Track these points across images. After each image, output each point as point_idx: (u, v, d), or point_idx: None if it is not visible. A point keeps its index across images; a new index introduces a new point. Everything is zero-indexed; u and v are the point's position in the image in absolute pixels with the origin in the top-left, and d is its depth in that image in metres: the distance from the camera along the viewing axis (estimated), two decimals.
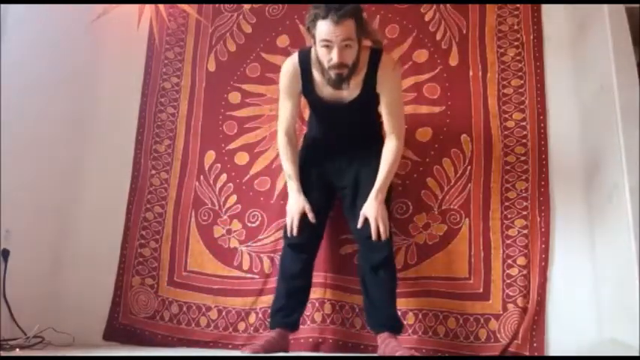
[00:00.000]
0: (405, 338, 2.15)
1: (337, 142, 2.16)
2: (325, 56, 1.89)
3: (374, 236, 1.95)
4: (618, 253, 1.98)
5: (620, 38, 2.13)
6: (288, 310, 2.03)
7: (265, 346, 1.90)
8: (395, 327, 1.97)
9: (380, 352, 1.92)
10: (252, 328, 2.32)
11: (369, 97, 2.04)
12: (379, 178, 2.02)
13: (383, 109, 2.08)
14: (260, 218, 2.46)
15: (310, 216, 2.03)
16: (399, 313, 2.20)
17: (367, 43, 2.02)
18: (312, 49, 2.00)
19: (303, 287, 2.08)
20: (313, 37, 1.93)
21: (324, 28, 1.84)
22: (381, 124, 2.15)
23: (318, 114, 2.19)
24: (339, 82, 1.94)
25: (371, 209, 1.97)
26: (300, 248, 2.07)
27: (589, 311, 2.11)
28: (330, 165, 2.15)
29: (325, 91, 2.02)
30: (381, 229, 1.95)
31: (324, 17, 1.83)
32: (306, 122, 2.39)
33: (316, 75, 2.02)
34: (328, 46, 1.87)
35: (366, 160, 2.10)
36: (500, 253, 2.25)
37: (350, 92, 2.01)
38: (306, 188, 2.08)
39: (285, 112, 2.13)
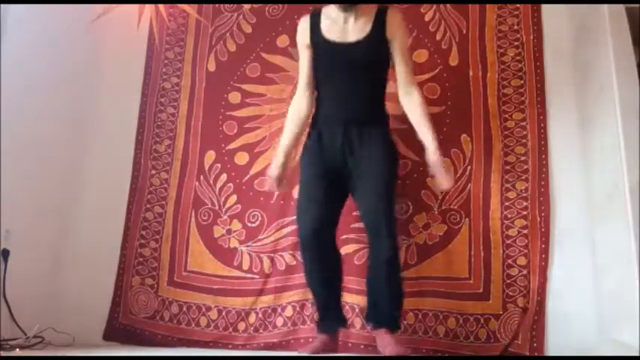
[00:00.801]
0: (405, 338, 2.15)
1: (345, 112, 2.04)
2: None
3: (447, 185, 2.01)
4: (618, 253, 1.98)
5: (620, 38, 2.13)
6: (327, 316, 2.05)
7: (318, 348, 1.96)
8: (392, 324, 1.96)
9: (380, 350, 1.92)
10: (252, 328, 2.32)
11: (377, 41, 2.03)
12: (427, 134, 2.00)
13: (397, 56, 2.05)
14: (260, 218, 2.46)
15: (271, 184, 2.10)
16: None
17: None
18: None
19: (332, 280, 2.05)
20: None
21: None
22: (385, 101, 2.11)
23: (324, 66, 2.11)
24: (347, 8, 2.00)
25: (438, 165, 1.98)
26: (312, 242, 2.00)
27: (589, 311, 2.11)
28: (337, 148, 2.02)
29: (333, 32, 2.05)
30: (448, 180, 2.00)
31: None
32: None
33: (324, 20, 2.07)
34: None
35: (374, 145, 2.02)
36: (500, 253, 2.25)
37: (357, 34, 2.03)
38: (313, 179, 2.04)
39: (302, 66, 2.14)
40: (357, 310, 2.25)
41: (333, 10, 2.06)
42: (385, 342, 1.90)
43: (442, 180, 1.99)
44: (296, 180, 2.15)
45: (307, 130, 2.15)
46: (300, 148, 2.17)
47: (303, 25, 2.13)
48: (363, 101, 2.06)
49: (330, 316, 2.05)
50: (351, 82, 2.05)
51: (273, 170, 2.10)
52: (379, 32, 2.04)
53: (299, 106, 2.13)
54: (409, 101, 2.06)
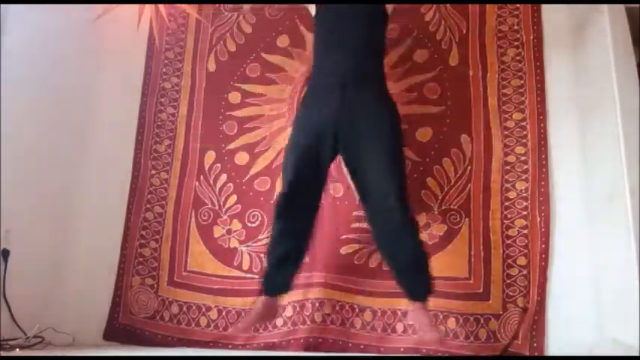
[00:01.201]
0: (405, 338, 2.16)
1: (342, 69, 2.06)
2: None
3: None
4: (618, 253, 1.98)
5: (620, 38, 2.13)
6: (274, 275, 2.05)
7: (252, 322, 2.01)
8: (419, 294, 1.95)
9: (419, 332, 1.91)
10: (252, 328, 2.31)
11: None
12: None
13: None
14: (260, 218, 2.46)
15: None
16: (399, 312, 2.21)
17: None
18: None
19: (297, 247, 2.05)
20: None
21: None
22: (383, 63, 2.15)
23: (326, 20, 2.18)
24: None
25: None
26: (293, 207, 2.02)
27: (589, 311, 2.11)
28: (333, 112, 2.03)
29: None
30: None
31: None
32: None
33: None
34: None
35: (370, 107, 2.03)
36: (500, 253, 2.25)
37: None
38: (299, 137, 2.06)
39: None
40: (357, 310, 2.24)
41: None
42: (421, 321, 1.91)
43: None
44: None
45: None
46: None
47: None
48: (361, 56, 2.08)
49: (280, 277, 2.04)
50: (350, 37, 2.09)
51: None
52: None
53: None
54: None
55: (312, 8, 2.27)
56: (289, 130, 2.50)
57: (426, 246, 2.04)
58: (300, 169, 2.01)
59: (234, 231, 2.48)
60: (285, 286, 2.07)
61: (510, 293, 2.19)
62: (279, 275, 2.05)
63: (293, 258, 2.04)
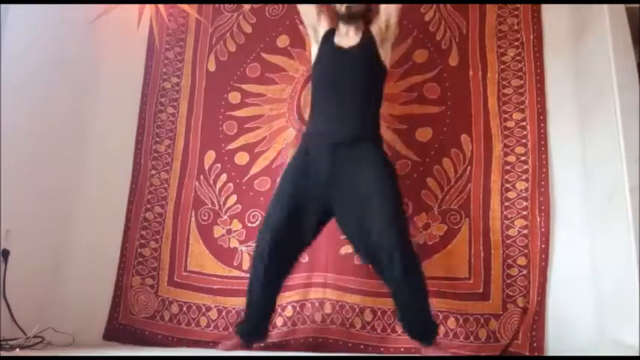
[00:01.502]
0: (405, 338, 2.15)
1: (335, 130, 2.03)
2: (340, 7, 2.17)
3: None
4: (618, 253, 1.98)
5: (620, 38, 2.13)
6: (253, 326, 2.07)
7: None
8: (424, 335, 1.94)
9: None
10: None
11: (368, 44, 2.12)
12: None
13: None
14: (260, 218, 2.46)
15: None
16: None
17: None
18: None
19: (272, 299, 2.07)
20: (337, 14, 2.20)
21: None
22: (379, 122, 2.12)
23: (321, 71, 2.17)
24: (348, 17, 2.15)
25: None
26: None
27: (589, 311, 2.11)
28: (324, 172, 1.99)
29: (337, 38, 2.17)
30: None
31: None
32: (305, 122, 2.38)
33: (335, 33, 2.20)
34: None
35: (365, 168, 1.97)
36: (500, 253, 2.25)
37: (352, 41, 2.14)
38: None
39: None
40: (357, 310, 2.24)
41: (340, 27, 2.20)
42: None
43: None
44: None
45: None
46: None
47: (323, 26, 2.24)
48: (354, 121, 2.04)
49: (256, 326, 2.06)
50: (344, 100, 2.05)
51: None
52: (369, 38, 2.14)
53: None
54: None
55: (314, 46, 2.25)
56: (289, 130, 2.51)
57: (427, 283, 1.97)
58: (280, 236, 1.98)
59: (234, 231, 2.48)
60: (259, 335, 2.08)
61: (510, 293, 2.19)
62: (254, 324, 2.06)
63: (266, 307, 2.06)
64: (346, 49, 2.13)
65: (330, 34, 2.20)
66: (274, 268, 2.00)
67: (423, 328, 1.94)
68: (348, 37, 2.16)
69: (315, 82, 2.20)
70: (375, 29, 2.15)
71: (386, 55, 2.16)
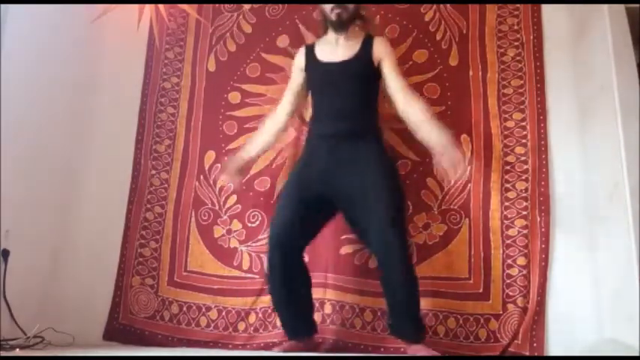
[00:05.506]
0: None
1: (334, 130, 2.08)
2: (329, 10, 2.12)
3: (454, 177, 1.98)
4: (618, 253, 1.98)
5: (620, 38, 2.13)
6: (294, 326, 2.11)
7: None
8: (413, 334, 1.98)
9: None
10: (252, 328, 2.32)
11: (364, 59, 2.11)
12: (434, 133, 1.98)
13: (389, 75, 2.10)
14: (260, 218, 2.46)
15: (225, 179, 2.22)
16: None
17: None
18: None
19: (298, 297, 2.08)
20: (325, 16, 2.18)
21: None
22: (377, 117, 2.16)
23: (316, 85, 2.19)
24: (339, 24, 2.12)
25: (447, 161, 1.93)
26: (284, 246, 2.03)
27: (589, 311, 2.11)
28: (325, 170, 2.05)
29: (325, 53, 2.17)
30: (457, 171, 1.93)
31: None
32: (307, 123, 2.39)
33: (317, 47, 2.21)
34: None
35: (365, 165, 2.01)
36: (500, 253, 2.24)
37: (345, 52, 2.13)
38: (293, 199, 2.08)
39: (291, 86, 2.26)
40: (357, 310, 2.24)
41: (329, 34, 2.19)
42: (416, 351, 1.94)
43: (451, 170, 1.92)
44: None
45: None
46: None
47: (301, 52, 2.26)
48: (352, 117, 2.09)
49: (297, 326, 2.09)
50: (341, 99, 2.09)
51: (234, 161, 2.22)
52: (366, 52, 2.12)
53: (278, 118, 2.23)
54: (412, 109, 2.05)
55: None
56: (289, 130, 2.51)
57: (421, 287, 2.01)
58: (287, 232, 2.02)
59: (234, 231, 2.48)
60: (306, 329, 2.10)
61: (510, 293, 2.19)
62: (293, 320, 2.09)
63: (296, 299, 2.07)
64: (338, 62, 2.13)
65: (309, 52, 2.20)
66: (289, 266, 2.03)
67: (412, 327, 1.98)
68: (338, 47, 2.15)
69: (311, 87, 2.22)
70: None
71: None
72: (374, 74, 2.13)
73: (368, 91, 2.15)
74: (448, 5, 2.57)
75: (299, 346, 2.07)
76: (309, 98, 2.26)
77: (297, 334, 2.10)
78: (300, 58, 2.24)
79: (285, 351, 2.05)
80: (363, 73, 2.12)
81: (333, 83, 2.12)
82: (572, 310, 2.13)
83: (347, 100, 2.09)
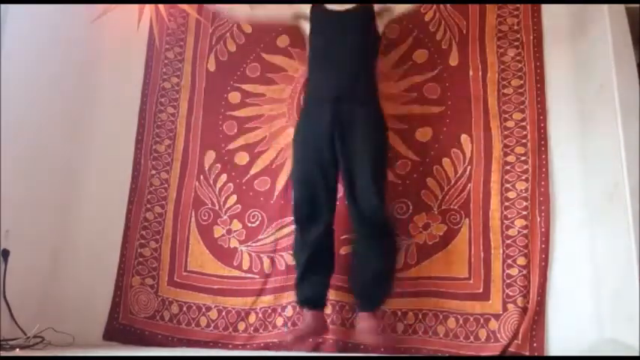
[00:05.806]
0: (405, 338, 2.16)
1: (334, 90, 2.14)
2: None
3: None
4: (618, 253, 1.98)
5: (620, 38, 2.13)
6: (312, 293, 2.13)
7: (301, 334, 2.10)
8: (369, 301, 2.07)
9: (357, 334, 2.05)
10: (252, 328, 2.32)
11: (365, 10, 2.22)
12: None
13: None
14: (260, 218, 2.46)
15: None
16: (399, 313, 2.21)
17: None
18: None
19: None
20: None
21: None
22: (376, 83, 2.22)
23: (317, 35, 2.25)
24: None
25: None
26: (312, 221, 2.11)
27: (589, 311, 2.10)
28: (325, 129, 2.13)
29: (330, 6, 2.25)
30: None
31: None
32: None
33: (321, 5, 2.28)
34: None
35: (364, 125, 2.11)
36: (500, 253, 2.24)
37: (345, 6, 2.23)
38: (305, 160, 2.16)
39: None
40: (357, 310, 2.24)
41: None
42: (366, 326, 1.99)
43: None
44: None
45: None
46: None
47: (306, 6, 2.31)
48: (352, 76, 2.15)
49: (315, 292, 2.12)
50: (343, 50, 2.16)
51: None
52: (367, 8, 2.23)
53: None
54: None
55: (306, 28, 2.30)
56: (289, 130, 2.51)
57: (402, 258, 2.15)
58: (309, 180, 2.12)
59: (234, 231, 2.48)
60: (316, 300, 2.12)
61: (510, 293, 2.19)
62: (308, 286, 2.11)
63: (316, 267, 2.11)
64: (342, 11, 2.22)
65: (317, 6, 2.26)
66: (313, 217, 2.12)
67: (372, 292, 2.06)
68: (340, 6, 2.24)
69: (312, 46, 2.27)
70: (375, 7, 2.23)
71: (380, 25, 2.25)
72: (375, 35, 2.22)
73: (369, 55, 2.22)
74: (448, 5, 2.57)
75: (306, 334, 2.09)
76: (307, 73, 2.31)
77: (308, 302, 2.12)
78: (305, 6, 2.30)
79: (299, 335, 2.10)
80: (366, 25, 2.21)
81: (335, 37, 2.19)
82: (572, 310, 2.13)
83: (349, 60, 2.16)
